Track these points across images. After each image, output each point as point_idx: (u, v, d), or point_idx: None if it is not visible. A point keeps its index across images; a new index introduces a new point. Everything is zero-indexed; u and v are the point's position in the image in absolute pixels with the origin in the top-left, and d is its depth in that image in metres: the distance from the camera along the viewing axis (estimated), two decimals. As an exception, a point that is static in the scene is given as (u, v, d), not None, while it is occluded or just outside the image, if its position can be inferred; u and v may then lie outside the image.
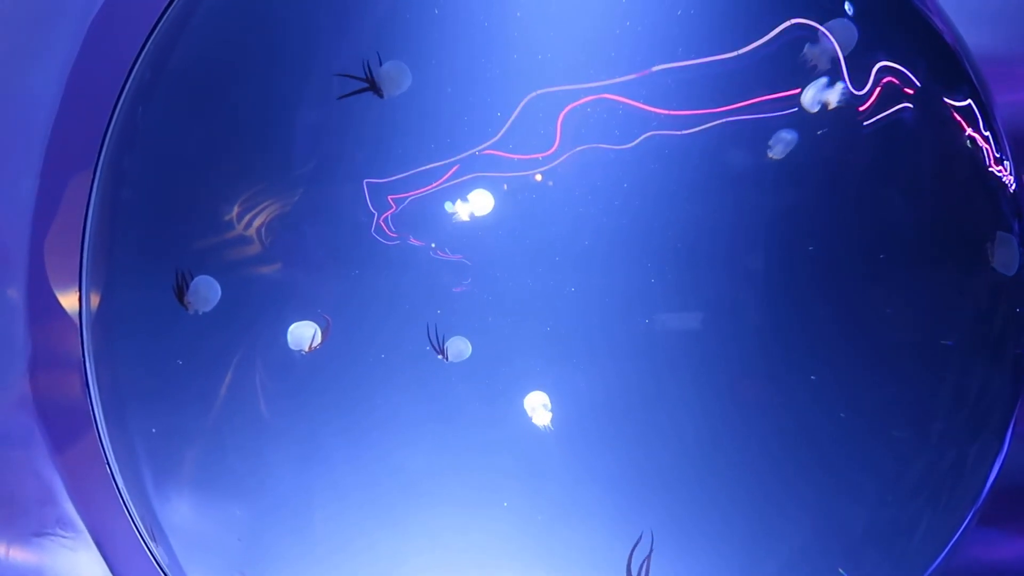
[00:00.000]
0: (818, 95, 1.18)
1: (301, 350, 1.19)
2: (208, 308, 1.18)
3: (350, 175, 1.18)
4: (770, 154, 1.18)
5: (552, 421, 1.20)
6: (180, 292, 1.18)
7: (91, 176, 1.24)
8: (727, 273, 1.21)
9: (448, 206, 1.18)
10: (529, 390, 1.20)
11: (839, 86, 1.18)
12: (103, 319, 1.22)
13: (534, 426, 1.19)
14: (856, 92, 1.17)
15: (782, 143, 1.18)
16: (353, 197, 1.17)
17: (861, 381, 1.22)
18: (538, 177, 1.19)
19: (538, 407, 1.20)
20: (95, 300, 1.22)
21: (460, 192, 1.18)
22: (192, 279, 1.18)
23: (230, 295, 1.19)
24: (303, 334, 1.19)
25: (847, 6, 1.17)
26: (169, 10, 1.21)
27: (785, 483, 1.22)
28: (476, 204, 1.18)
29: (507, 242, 1.20)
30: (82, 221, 1.24)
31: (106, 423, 1.23)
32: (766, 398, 1.23)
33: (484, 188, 1.18)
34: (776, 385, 1.22)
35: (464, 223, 1.19)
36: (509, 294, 1.20)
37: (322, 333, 1.19)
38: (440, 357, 1.19)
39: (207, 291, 1.19)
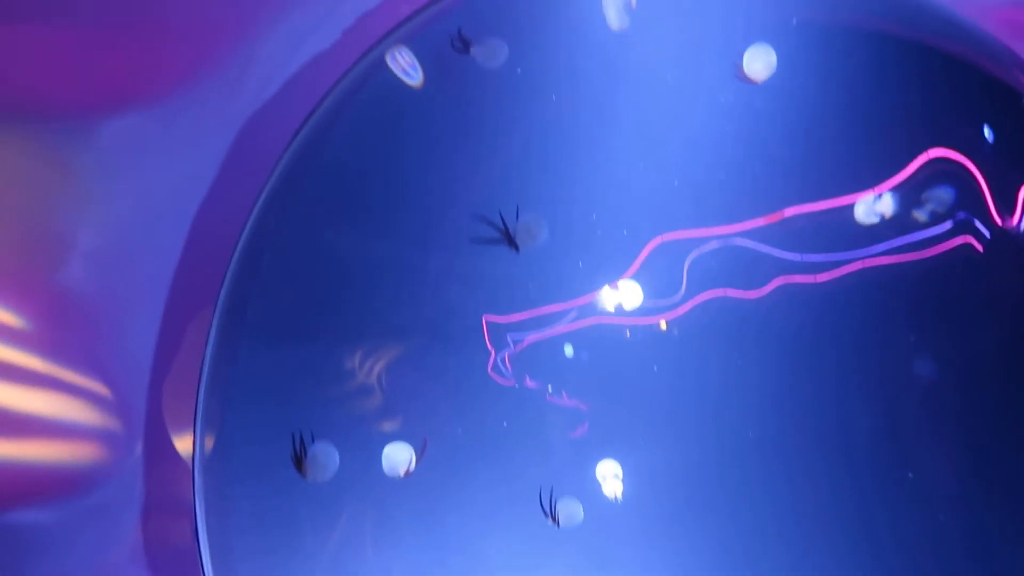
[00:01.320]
0: (871, 209, 1.12)
1: (396, 475, 1.14)
2: (326, 477, 1.15)
3: (470, 311, 1.15)
4: (917, 214, 1.12)
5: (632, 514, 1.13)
6: (299, 460, 1.15)
7: (211, 319, 1.23)
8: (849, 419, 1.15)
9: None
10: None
11: (886, 196, 1.11)
12: (215, 465, 1.20)
13: (613, 516, 1.13)
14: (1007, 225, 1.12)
15: (935, 200, 1.11)
16: (472, 333, 1.14)
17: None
18: (663, 325, 1.14)
19: (609, 476, 1.14)
20: (209, 443, 1.20)
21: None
22: (310, 445, 1.15)
23: (347, 445, 1.16)
24: (399, 458, 1.14)
25: (986, 130, 1.12)
26: (291, 146, 1.21)
27: None
28: (625, 295, 1.14)
29: (625, 388, 1.15)
30: (200, 364, 1.23)
31: (213, 571, 1.19)
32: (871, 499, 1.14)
33: (635, 280, 1.14)
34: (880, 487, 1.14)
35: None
36: (621, 438, 1.15)
37: (418, 455, 1.14)
38: (552, 523, 1.13)
39: (325, 459, 1.15)
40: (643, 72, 1.17)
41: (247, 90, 1.25)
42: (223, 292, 1.23)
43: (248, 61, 1.24)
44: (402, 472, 1.14)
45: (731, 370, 1.15)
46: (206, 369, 1.22)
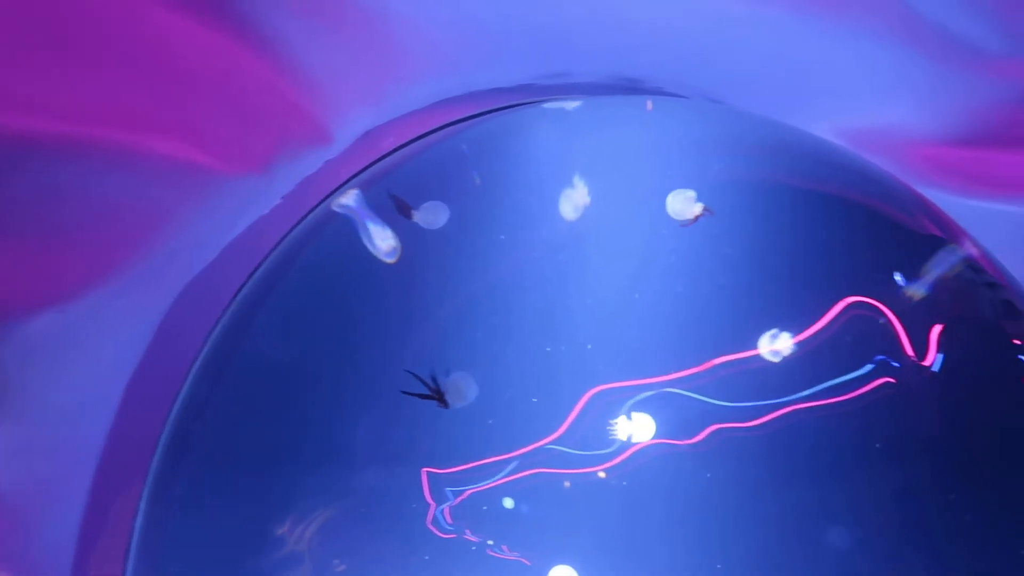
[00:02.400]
0: (770, 345, 1.16)
1: None
2: None
3: (408, 462, 1.15)
4: (910, 291, 1.15)
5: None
6: None
7: (139, 494, 1.21)
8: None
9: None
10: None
11: (784, 335, 1.16)
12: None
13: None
14: (923, 364, 1.16)
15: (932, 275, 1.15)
16: (410, 486, 1.13)
17: None
18: (602, 474, 1.15)
19: None
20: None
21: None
22: None
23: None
24: None
25: (897, 276, 1.18)
26: (223, 317, 1.22)
27: None
28: (637, 427, 1.14)
29: (567, 541, 1.14)
30: (127, 542, 1.20)
31: None
32: None
33: (647, 413, 1.14)
34: None
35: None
36: None
37: None
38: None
39: None
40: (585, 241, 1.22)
41: (179, 268, 1.26)
42: (154, 464, 1.21)
43: (180, 243, 1.25)
44: None
45: (671, 516, 1.15)
46: (135, 544, 1.19)
